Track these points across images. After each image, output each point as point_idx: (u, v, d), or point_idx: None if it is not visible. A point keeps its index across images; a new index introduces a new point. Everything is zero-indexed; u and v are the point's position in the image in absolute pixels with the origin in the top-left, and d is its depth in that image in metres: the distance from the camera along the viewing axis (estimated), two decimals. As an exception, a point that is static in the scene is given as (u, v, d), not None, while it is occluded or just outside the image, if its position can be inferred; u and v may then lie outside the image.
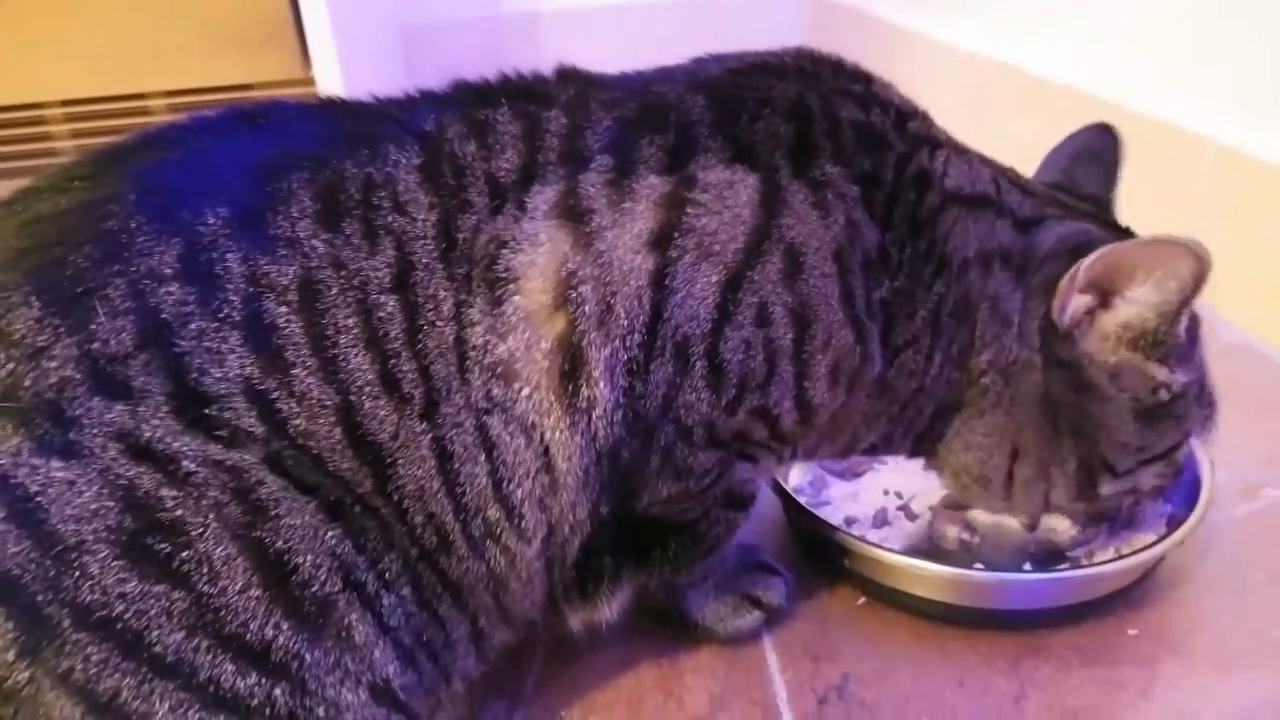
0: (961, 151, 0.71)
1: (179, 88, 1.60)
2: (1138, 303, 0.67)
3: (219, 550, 0.50)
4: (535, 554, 0.61)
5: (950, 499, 0.87)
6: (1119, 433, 0.70)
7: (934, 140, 0.69)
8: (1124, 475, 0.72)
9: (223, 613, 0.50)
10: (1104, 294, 0.67)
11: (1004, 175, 0.73)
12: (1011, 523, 0.85)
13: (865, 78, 0.70)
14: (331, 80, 1.58)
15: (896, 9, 1.90)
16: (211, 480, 0.50)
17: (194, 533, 0.49)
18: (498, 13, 2.12)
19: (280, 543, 0.51)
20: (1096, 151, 0.81)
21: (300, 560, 0.52)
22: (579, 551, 0.63)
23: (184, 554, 0.49)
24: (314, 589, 0.52)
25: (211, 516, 0.50)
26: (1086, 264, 0.65)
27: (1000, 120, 1.53)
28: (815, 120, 0.65)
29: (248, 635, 0.50)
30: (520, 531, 0.59)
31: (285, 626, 0.51)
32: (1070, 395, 0.69)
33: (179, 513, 0.49)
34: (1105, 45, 1.41)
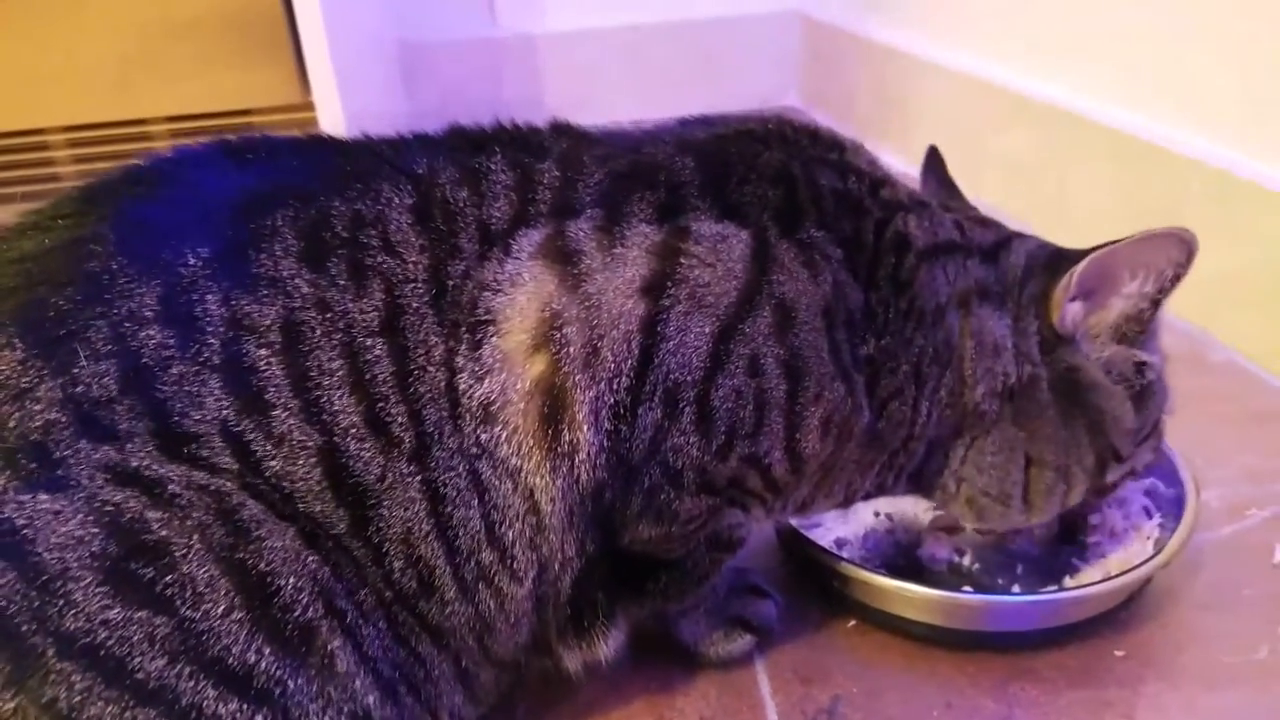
0: (922, 206, 0.72)
1: (179, 113, 1.62)
2: (1133, 296, 0.70)
3: (202, 572, 0.50)
4: (526, 594, 0.61)
5: (941, 520, 0.88)
6: (1124, 421, 0.73)
7: (901, 205, 0.71)
8: (1127, 459, 0.75)
9: (205, 637, 0.50)
10: (1095, 296, 0.71)
11: (963, 214, 0.75)
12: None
13: (839, 146, 0.72)
14: (330, 103, 1.59)
15: (888, 30, 1.91)
16: (196, 502, 0.51)
17: (178, 554, 0.50)
18: (494, 34, 2.14)
19: (263, 564, 0.52)
20: (947, 174, 0.85)
21: (283, 583, 0.52)
22: (572, 588, 0.64)
23: (167, 578, 0.50)
24: (296, 613, 0.52)
25: (196, 538, 0.50)
26: (1079, 271, 0.69)
27: (989, 140, 1.55)
28: (799, 186, 0.67)
29: (230, 660, 0.50)
30: (513, 573, 0.60)
31: (268, 651, 0.51)
32: (1078, 396, 0.72)
33: (164, 534, 0.50)
34: (1094, 67, 1.42)
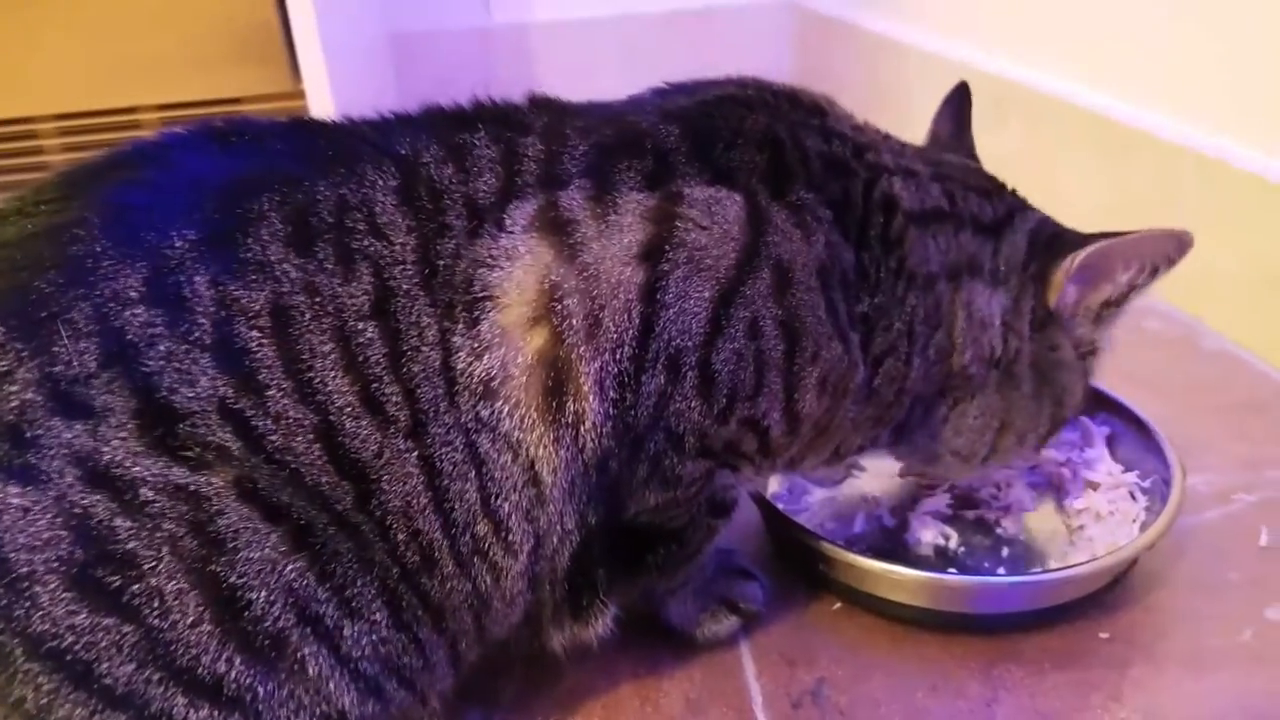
0: (911, 173, 0.73)
1: (170, 101, 1.62)
2: (1121, 285, 0.74)
3: (170, 585, 0.50)
4: (521, 569, 0.61)
5: (928, 506, 0.88)
6: (1077, 396, 0.77)
7: (886, 168, 0.71)
8: (1060, 428, 0.80)
9: (174, 646, 0.50)
10: (1090, 280, 0.74)
11: (958, 183, 0.75)
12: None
13: (820, 110, 0.73)
14: (321, 93, 1.59)
15: (879, 20, 1.91)
16: (169, 511, 0.50)
17: (146, 566, 0.49)
18: (487, 24, 2.14)
19: (235, 577, 0.51)
20: (967, 114, 0.86)
21: (254, 596, 0.51)
22: (570, 562, 0.63)
23: (134, 587, 0.49)
24: (267, 624, 0.52)
25: (165, 550, 0.50)
26: (1082, 258, 0.72)
27: (982, 129, 1.54)
28: (785, 149, 0.67)
29: (199, 670, 0.50)
30: (507, 545, 0.60)
31: (237, 661, 0.51)
32: (1051, 372, 0.75)
33: (131, 545, 0.49)
34: (1086, 56, 1.42)
